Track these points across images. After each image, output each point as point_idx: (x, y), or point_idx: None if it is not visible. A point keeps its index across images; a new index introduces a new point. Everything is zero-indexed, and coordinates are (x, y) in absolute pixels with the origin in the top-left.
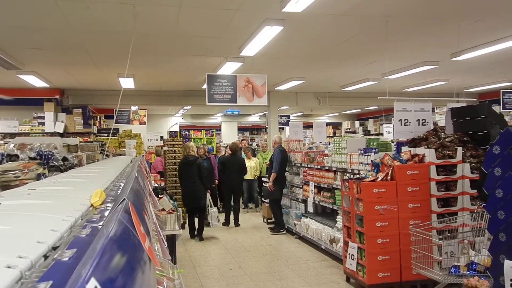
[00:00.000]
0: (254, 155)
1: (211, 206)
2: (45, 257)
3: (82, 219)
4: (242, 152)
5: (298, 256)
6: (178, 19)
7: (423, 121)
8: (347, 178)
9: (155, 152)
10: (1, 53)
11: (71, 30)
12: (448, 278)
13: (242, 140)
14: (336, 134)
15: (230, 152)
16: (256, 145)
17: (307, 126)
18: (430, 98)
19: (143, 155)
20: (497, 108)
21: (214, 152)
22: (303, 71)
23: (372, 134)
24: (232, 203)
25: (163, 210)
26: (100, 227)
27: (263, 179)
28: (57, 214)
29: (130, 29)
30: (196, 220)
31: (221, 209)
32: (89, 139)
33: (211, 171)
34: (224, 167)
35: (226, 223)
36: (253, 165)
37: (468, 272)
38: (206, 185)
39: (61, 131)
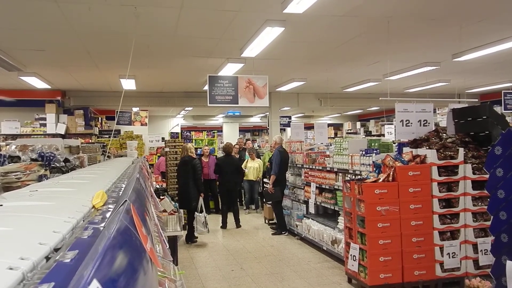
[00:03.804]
0: (258, 156)
1: (201, 211)
2: (47, 258)
3: (84, 221)
4: (247, 153)
5: (300, 257)
6: (179, 21)
7: (425, 122)
8: (348, 179)
9: (160, 152)
10: (2, 55)
11: (73, 31)
12: None
13: (247, 140)
14: (338, 135)
15: (224, 153)
16: (258, 146)
17: (309, 127)
18: (431, 99)
19: (144, 156)
20: (498, 109)
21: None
22: (304, 72)
23: (374, 135)
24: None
25: (164, 211)
26: (101, 228)
27: (265, 180)
28: (59, 215)
29: (131, 31)
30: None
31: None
32: (90, 141)
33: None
34: (220, 169)
35: (224, 225)
36: (256, 166)
37: None
38: (200, 188)
39: (63, 133)
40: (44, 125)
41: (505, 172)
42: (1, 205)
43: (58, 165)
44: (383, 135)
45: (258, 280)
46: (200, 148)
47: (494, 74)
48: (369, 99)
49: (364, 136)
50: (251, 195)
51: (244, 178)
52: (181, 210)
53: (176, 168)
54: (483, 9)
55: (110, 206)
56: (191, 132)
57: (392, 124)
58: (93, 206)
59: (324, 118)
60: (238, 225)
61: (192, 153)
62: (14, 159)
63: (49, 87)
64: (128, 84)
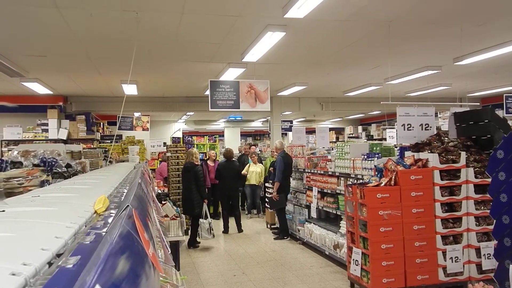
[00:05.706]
0: (261, 161)
1: (205, 217)
2: (50, 264)
3: (86, 226)
4: (249, 158)
5: (302, 262)
6: (180, 26)
7: (426, 125)
8: (350, 183)
9: (161, 157)
10: (5, 61)
11: (75, 37)
12: None
13: (251, 145)
14: (339, 139)
15: (224, 158)
16: (259, 150)
17: (310, 131)
18: (433, 103)
19: (146, 161)
20: (500, 113)
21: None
22: (305, 77)
23: (375, 139)
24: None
25: (166, 216)
26: (104, 233)
27: (266, 184)
28: (61, 221)
29: (132, 36)
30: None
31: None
32: (92, 146)
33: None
34: (220, 174)
35: (225, 230)
36: (258, 171)
37: None
38: (203, 194)
39: (65, 138)
40: (46, 130)
41: (508, 176)
42: (3, 211)
43: (60, 170)
44: (385, 139)
45: (260, 285)
46: (203, 152)
47: (495, 77)
48: (371, 103)
49: (365, 140)
50: (253, 200)
51: (246, 183)
52: (183, 215)
53: (177, 173)
54: (484, 12)
55: (112, 211)
56: (193, 137)
57: (393, 128)
58: (95, 212)
59: (325, 122)
60: (240, 230)
61: (196, 158)
62: (16, 164)
63: (51, 92)
64: (130, 89)
